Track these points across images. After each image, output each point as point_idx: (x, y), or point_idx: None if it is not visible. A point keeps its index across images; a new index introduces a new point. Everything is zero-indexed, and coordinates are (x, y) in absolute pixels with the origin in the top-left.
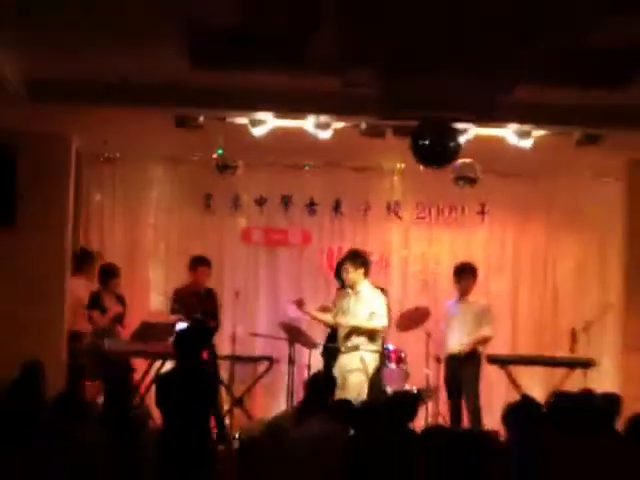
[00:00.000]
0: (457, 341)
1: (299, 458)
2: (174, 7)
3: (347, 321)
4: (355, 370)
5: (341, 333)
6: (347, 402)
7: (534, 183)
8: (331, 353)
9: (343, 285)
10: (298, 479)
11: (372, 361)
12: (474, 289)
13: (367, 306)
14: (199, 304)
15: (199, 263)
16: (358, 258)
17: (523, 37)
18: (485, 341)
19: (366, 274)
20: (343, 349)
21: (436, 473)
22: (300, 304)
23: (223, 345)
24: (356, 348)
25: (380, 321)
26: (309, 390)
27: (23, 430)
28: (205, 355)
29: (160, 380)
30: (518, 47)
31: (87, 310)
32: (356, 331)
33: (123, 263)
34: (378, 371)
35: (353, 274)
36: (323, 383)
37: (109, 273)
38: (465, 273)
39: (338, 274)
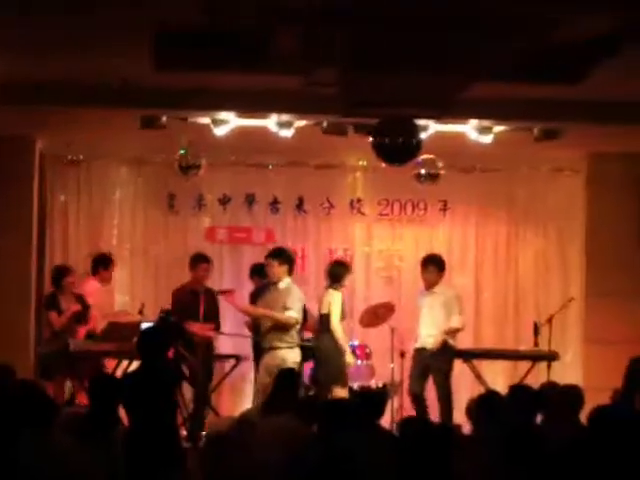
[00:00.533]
0: (426, 333)
1: (265, 453)
2: (138, 9)
3: (264, 312)
4: (275, 367)
5: (263, 329)
6: (313, 399)
7: (495, 178)
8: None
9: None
10: (264, 473)
11: (292, 357)
12: (442, 281)
13: (283, 300)
14: (195, 304)
15: (199, 260)
16: (283, 255)
17: (482, 34)
18: (454, 332)
19: (290, 271)
20: (266, 346)
21: (408, 465)
22: (227, 294)
23: None
24: (275, 347)
25: (290, 313)
26: (275, 387)
27: None
28: (170, 354)
29: (124, 380)
30: (477, 44)
31: (45, 311)
32: (275, 327)
33: (88, 264)
34: (301, 364)
35: (277, 269)
36: (289, 380)
37: (61, 273)
38: (428, 265)
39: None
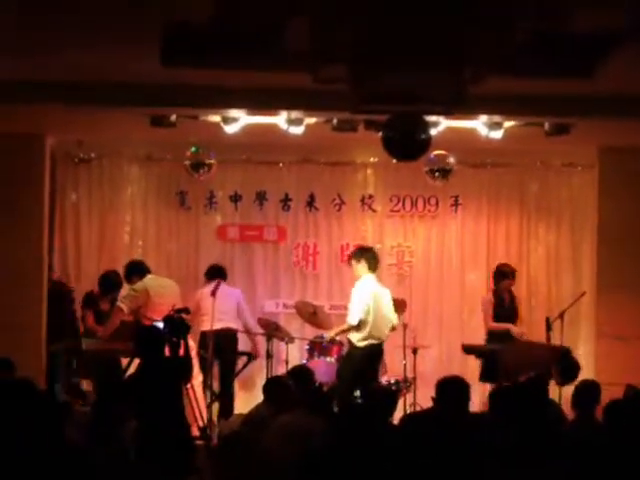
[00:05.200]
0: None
1: (277, 450)
2: (145, 6)
3: None
4: None
5: None
6: (325, 396)
7: (506, 173)
8: None
9: None
10: (277, 470)
11: None
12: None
13: None
14: None
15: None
16: None
17: (493, 28)
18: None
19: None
20: None
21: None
22: None
23: None
24: None
25: None
26: (286, 383)
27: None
28: (182, 351)
29: (128, 380)
30: (488, 38)
31: (84, 309)
32: None
33: (100, 263)
34: None
35: None
36: (301, 377)
37: (115, 284)
38: None
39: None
